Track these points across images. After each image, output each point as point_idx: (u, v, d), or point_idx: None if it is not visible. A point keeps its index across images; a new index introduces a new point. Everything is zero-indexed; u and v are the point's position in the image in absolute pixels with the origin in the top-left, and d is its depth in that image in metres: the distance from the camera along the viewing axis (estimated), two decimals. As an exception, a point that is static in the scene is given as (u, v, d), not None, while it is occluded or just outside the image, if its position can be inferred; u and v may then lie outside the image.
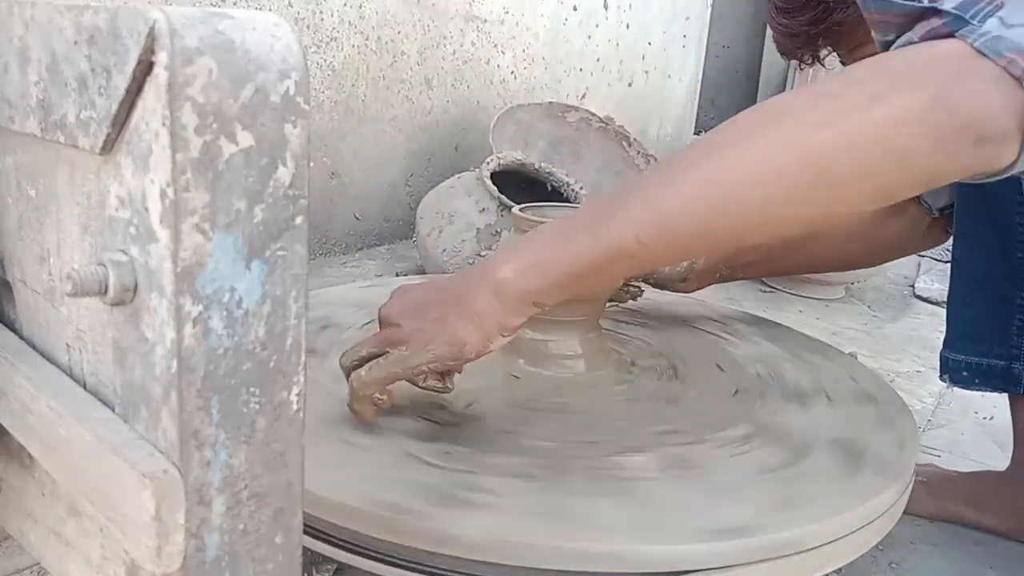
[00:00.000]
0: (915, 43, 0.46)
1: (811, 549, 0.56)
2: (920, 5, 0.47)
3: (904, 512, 0.68)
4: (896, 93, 0.45)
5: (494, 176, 1.44)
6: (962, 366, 0.85)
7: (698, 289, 0.98)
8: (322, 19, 1.53)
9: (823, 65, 0.88)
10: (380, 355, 0.60)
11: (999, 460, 0.97)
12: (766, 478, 0.62)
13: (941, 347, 0.87)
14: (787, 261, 0.96)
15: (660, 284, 0.96)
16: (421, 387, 0.63)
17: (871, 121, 0.44)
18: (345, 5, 1.57)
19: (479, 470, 0.60)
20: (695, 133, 3.06)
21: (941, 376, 0.87)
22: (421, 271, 1.54)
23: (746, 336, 0.95)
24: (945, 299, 1.82)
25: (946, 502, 0.87)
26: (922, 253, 2.08)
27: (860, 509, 0.59)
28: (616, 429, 0.70)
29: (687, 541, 0.53)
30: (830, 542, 0.57)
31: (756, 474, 0.62)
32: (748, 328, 0.98)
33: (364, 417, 0.63)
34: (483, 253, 1.35)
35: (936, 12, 0.45)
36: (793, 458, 0.65)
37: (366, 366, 0.60)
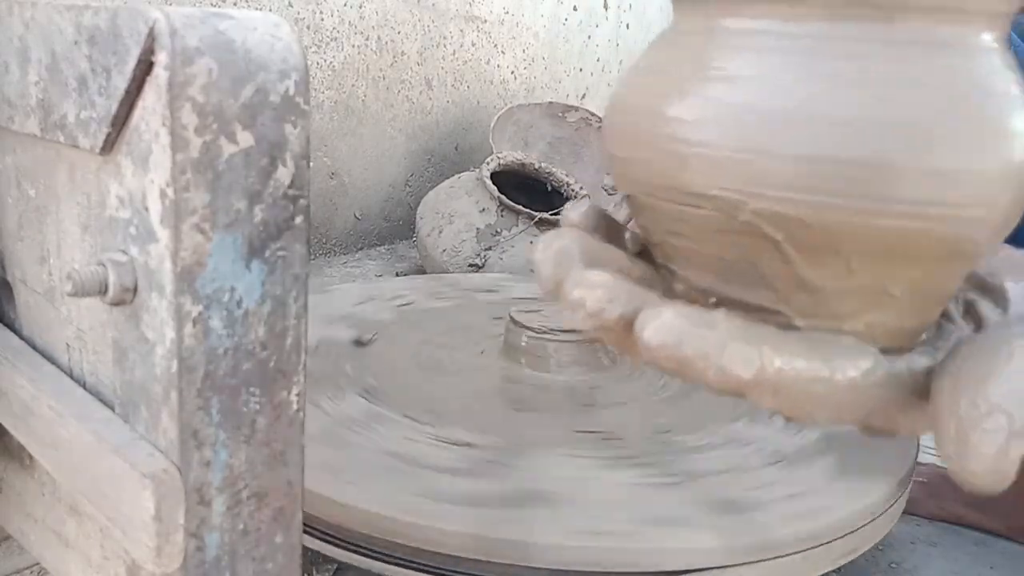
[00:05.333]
0: None
1: (739, 565, 0.54)
2: None
3: (904, 512, 0.68)
4: None
5: (494, 176, 1.44)
6: None
7: None
8: (322, 19, 1.53)
9: None
10: None
11: (999, 460, 0.97)
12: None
13: None
14: None
15: None
16: None
17: None
18: (345, 5, 1.57)
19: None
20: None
21: None
22: (421, 271, 1.54)
23: None
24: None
25: (946, 502, 0.87)
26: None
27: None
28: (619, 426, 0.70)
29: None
30: (762, 560, 0.55)
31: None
32: None
33: None
34: (483, 253, 1.35)
35: None
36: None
37: None
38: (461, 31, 1.87)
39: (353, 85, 1.63)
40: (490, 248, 1.35)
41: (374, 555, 0.55)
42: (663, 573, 0.53)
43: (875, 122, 0.25)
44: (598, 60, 2.37)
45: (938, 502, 0.87)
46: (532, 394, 0.77)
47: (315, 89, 1.56)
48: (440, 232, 1.39)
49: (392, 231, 1.83)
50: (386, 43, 1.69)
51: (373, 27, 1.65)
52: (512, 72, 2.06)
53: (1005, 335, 0.28)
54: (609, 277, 0.29)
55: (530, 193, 1.54)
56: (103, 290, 0.34)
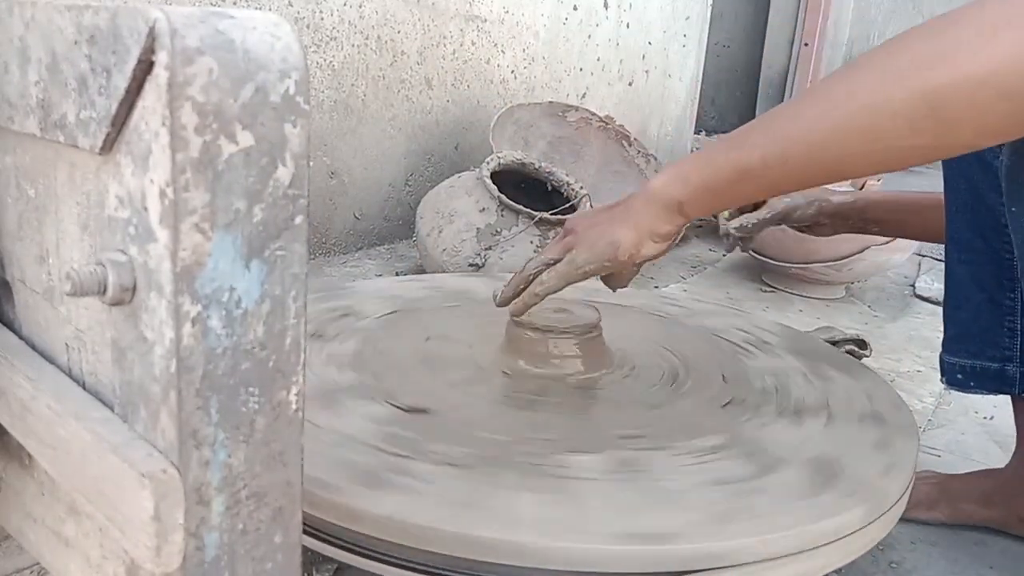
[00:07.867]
0: None
1: (740, 565, 0.54)
2: None
3: (919, 522, 0.66)
4: (1009, 27, 0.43)
5: (494, 176, 1.44)
6: (956, 368, 0.85)
7: (835, 234, 0.96)
8: (322, 18, 1.53)
9: None
10: (560, 260, 0.69)
11: (999, 460, 0.97)
12: (716, 489, 0.60)
13: (940, 350, 0.87)
14: (917, 226, 0.94)
15: (799, 226, 0.96)
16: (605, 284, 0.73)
17: (981, 58, 0.44)
18: (345, 5, 1.57)
19: (416, 455, 0.61)
20: (695, 133, 3.05)
21: (941, 379, 0.87)
22: (421, 270, 1.54)
23: (770, 349, 0.91)
24: (945, 299, 1.79)
25: (959, 503, 0.86)
26: (923, 252, 2.08)
27: (804, 529, 0.56)
28: (578, 428, 0.70)
29: (596, 542, 0.52)
30: (764, 560, 0.54)
31: (708, 484, 0.60)
32: (776, 339, 0.95)
33: (521, 311, 0.76)
34: (483, 253, 1.35)
35: None
36: (757, 472, 0.62)
37: (547, 271, 0.71)
38: (461, 31, 1.86)
39: (353, 85, 1.63)
40: (490, 248, 1.35)
41: (374, 555, 0.55)
42: (663, 573, 0.53)
43: None
44: (598, 60, 2.37)
45: (951, 503, 0.86)
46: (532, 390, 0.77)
47: (315, 88, 1.56)
48: (440, 232, 1.39)
49: (392, 231, 1.83)
50: (386, 43, 1.69)
51: (373, 27, 1.64)
52: (512, 71, 2.06)
53: None
54: None
55: (530, 193, 1.54)
56: (102, 290, 0.34)
